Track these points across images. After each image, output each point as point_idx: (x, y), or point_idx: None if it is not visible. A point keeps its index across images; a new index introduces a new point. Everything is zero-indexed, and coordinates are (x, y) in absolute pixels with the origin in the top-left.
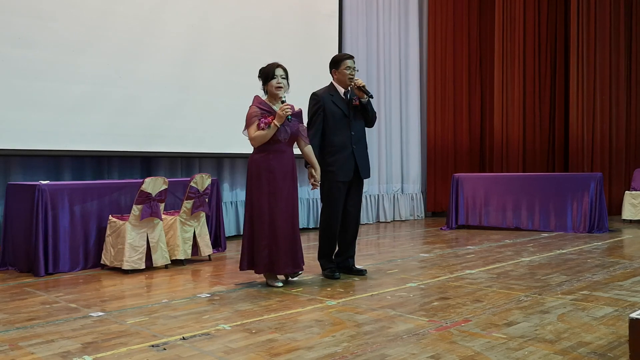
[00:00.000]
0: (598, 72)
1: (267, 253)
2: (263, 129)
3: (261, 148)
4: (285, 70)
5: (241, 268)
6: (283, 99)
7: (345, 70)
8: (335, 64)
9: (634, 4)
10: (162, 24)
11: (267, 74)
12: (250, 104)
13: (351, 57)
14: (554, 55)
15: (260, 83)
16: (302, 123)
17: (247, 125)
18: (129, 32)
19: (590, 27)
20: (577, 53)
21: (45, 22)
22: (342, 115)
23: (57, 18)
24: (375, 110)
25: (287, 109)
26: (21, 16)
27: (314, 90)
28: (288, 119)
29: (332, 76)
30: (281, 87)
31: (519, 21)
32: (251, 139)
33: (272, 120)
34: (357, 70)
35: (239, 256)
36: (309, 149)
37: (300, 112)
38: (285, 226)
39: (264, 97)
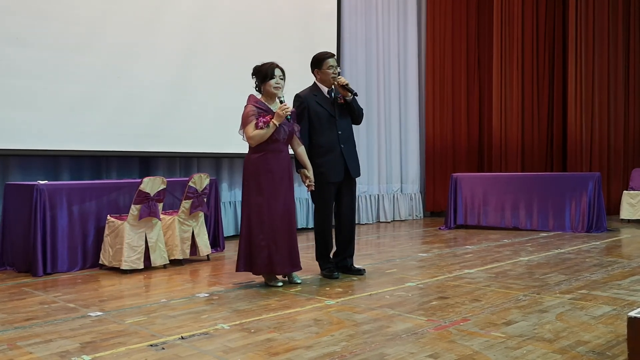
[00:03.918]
0: (596, 71)
1: (267, 254)
2: (262, 128)
3: (259, 148)
4: (282, 70)
5: (238, 269)
6: (282, 98)
7: (327, 70)
8: (317, 63)
9: (632, 4)
10: (160, 24)
11: (265, 73)
12: (246, 104)
13: (333, 56)
14: (553, 55)
15: (254, 81)
16: (297, 123)
17: (244, 124)
18: (128, 32)
19: (589, 27)
20: (575, 53)
21: (44, 22)
22: (328, 115)
23: (56, 18)
24: (362, 107)
25: (287, 108)
26: (19, 15)
27: (297, 93)
28: (287, 119)
29: (315, 76)
30: (279, 87)
31: (517, 21)
32: (249, 138)
33: (271, 119)
34: (339, 69)
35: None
36: (302, 149)
37: (295, 112)
38: (283, 226)
39: (258, 96)
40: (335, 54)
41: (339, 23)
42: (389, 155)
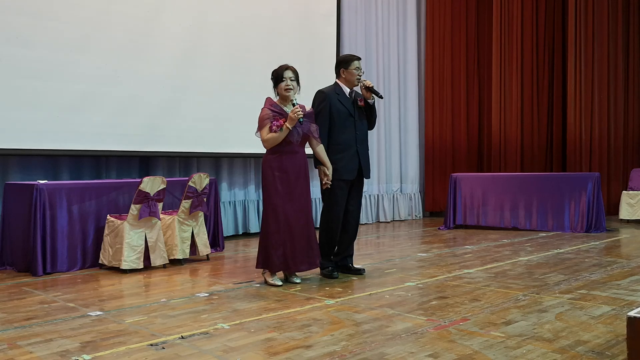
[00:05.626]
0: (596, 71)
1: (282, 252)
2: (275, 132)
3: (274, 149)
4: (294, 72)
5: (257, 266)
6: (294, 101)
7: (354, 71)
8: (345, 63)
9: (632, 4)
10: (160, 24)
11: (277, 76)
12: (262, 106)
13: (359, 59)
14: (552, 54)
15: (272, 85)
16: (314, 123)
17: (260, 128)
18: (127, 32)
19: (588, 26)
20: (574, 53)
21: (43, 21)
22: (348, 115)
23: (55, 17)
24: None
25: (299, 111)
26: (19, 15)
27: (320, 89)
28: (300, 122)
29: (339, 75)
30: (290, 89)
31: (517, 21)
32: (264, 141)
33: (284, 122)
34: (364, 72)
35: (256, 254)
36: (320, 148)
37: (311, 113)
38: (299, 225)
39: (275, 99)
40: (336, 54)
41: (338, 23)
42: (389, 155)
